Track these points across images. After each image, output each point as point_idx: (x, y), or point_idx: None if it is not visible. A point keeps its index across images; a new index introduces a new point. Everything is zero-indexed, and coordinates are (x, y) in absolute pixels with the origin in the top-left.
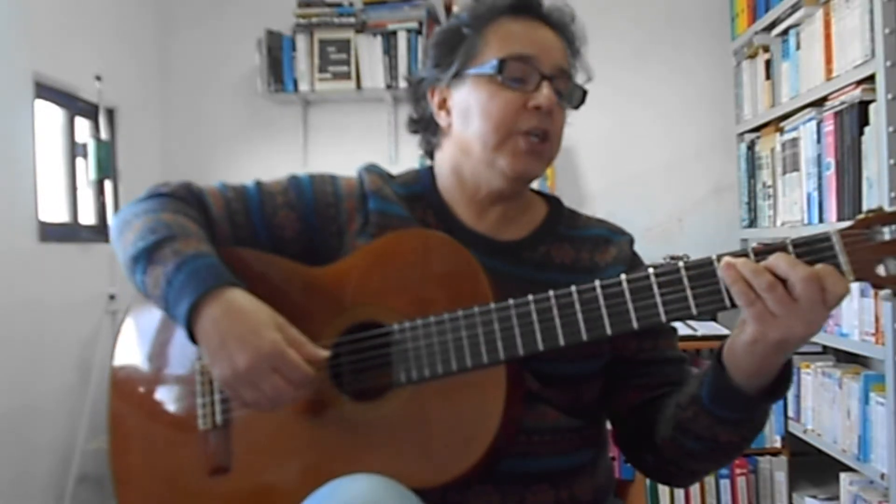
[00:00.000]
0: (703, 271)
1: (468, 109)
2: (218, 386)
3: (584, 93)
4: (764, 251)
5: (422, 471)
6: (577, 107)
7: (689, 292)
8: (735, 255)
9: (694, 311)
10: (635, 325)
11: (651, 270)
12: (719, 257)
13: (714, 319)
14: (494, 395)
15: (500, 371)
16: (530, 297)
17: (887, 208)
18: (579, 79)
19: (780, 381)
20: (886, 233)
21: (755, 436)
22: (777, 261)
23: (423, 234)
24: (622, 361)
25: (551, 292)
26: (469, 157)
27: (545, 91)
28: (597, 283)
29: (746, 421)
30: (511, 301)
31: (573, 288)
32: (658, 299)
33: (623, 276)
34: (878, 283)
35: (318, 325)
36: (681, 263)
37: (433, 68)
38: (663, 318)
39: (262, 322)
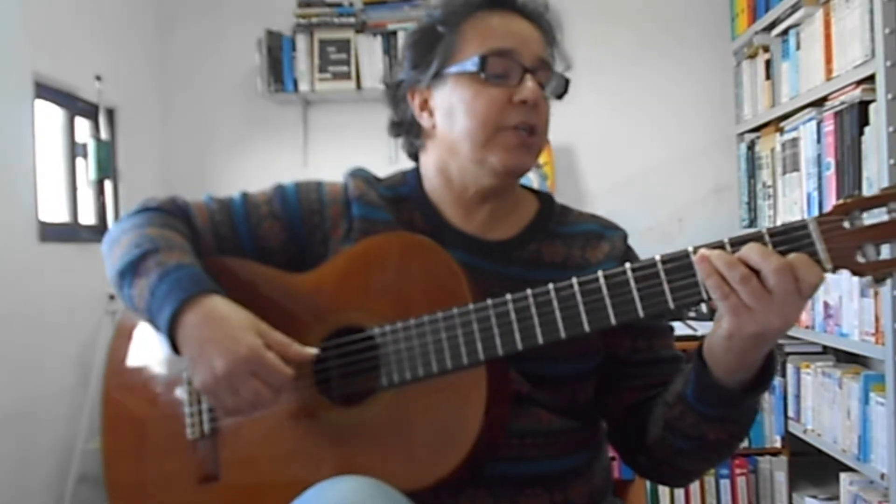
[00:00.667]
0: (679, 264)
1: (452, 109)
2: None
3: (567, 82)
4: (740, 241)
5: (406, 473)
6: (560, 97)
7: (665, 286)
8: (711, 246)
9: (671, 304)
10: (613, 321)
11: (628, 265)
12: (696, 249)
13: (714, 319)
14: (475, 397)
15: (480, 372)
16: (508, 297)
17: (865, 193)
18: (558, 68)
19: (762, 375)
20: (865, 218)
21: (744, 433)
22: (749, 252)
23: (402, 236)
24: (617, 361)
25: (529, 291)
26: (456, 157)
27: (529, 84)
28: (574, 280)
29: (732, 417)
30: (489, 301)
31: (550, 286)
32: (635, 294)
33: (600, 273)
34: (857, 271)
35: (301, 330)
36: (658, 257)
37: (411, 70)
38: (640, 313)
39: (241, 327)
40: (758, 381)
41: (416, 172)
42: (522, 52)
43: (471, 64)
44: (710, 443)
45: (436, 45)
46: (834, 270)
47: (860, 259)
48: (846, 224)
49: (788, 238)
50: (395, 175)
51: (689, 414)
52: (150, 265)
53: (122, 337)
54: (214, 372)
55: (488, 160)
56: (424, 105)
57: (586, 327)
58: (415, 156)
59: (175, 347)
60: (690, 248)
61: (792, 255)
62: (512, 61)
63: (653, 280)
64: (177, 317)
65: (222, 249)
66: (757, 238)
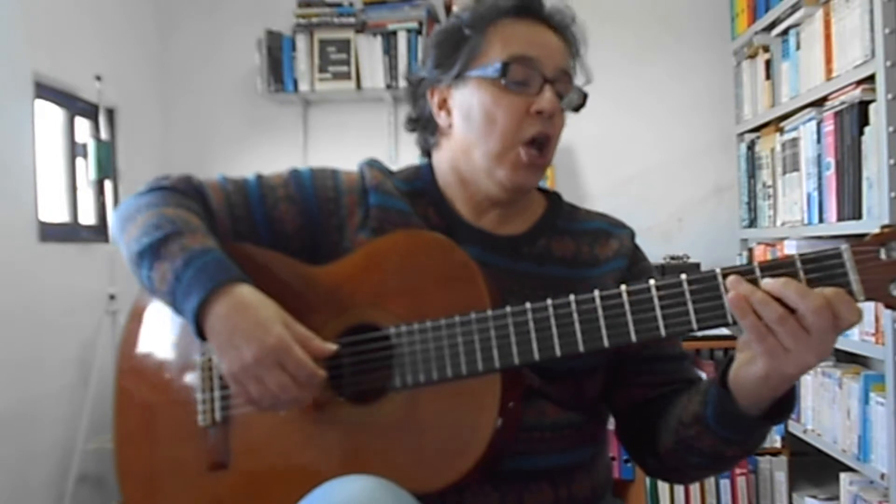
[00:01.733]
0: (706, 286)
1: (470, 112)
2: (218, 382)
3: (585, 96)
4: (772, 266)
5: (415, 476)
6: (577, 110)
7: (690, 306)
8: (741, 271)
9: (695, 325)
10: (633, 338)
11: (652, 282)
12: (725, 273)
13: None
14: (488, 403)
15: (495, 379)
16: (528, 306)
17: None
18: (579, 80)
19: (785, 401)
20: None
21: (759, 446)
22: (786, 290)
23: (419, 235)
24: (624, 358)
25: (549, 301)
26: (468, 160)
27: (548, 95)
28: (596, 293)
29: (751, 439)
30: (508, 309)
31: (572, 297)
32: (658, 312)
33: (623, 288)
34: (890, 304)
35: (317, 325)
36: (683, 276)
37: (434, 69)
38: (663, 332)
39: (269, 317)
40: (779, 407)
41: (430, 167)
42: (544, 62)
43: (492, 69)
44: (726, 458)
45: (460, 46)
46: (866, 301)
47: (894, 292)
48: (882, 255)
49: (821, 266)
50: (409, 168)
51: (707, 435)
52: (174, 249)
53: (136, 321)
54: (243, 360)
55: (496, 173)
56: (443, 104)
57: (606, 343)
58: (428, 152)
59: (201, 334)
60: (718, 270)
61: (829, 292)
62: (533, 70)
63: (678, 299)
64: (205, 305)
65: (238, 231)
66: (789, 265)
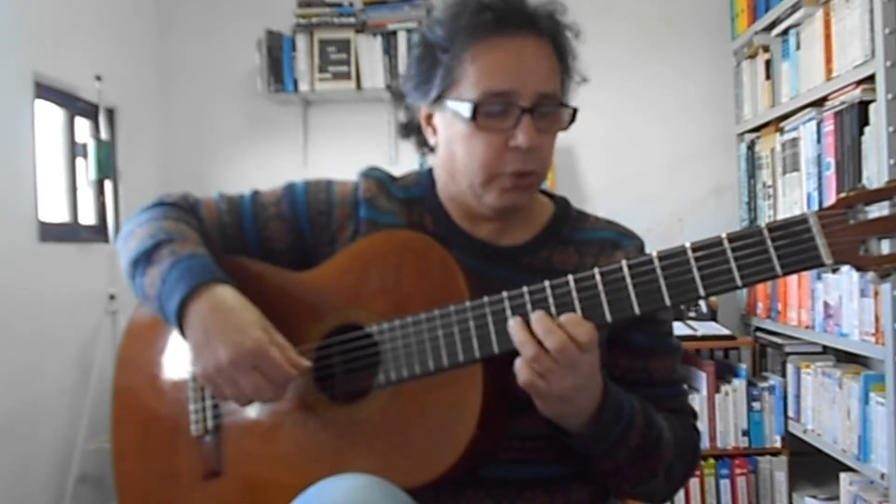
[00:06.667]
0: (675, 261)
1: (450, 141)
2: (210, 391)
3: (574, 112)
4: (739, 237)
5: (403, 471)
6: (566, 128)
7: (662, 282)
8: (707, 244)
9: (668, 301)
10: (608, 318)
11: (624, 262)
12: (694, 248)
13: (714, 319)
14: (471, 395)
15: (477, 371)
16: (504, 294)
17: (869, 186)
18: (576, 80)
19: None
20: (869, 212)
21: (625, 472)
22: (535, 326)
23: (398, 234)
24: (612, 379)
25: (525, 288)
26: (455, 182)
27: (524, 129)
28: (570, 277)
29: (603, 452)
30: (486, 298)
31: (546, 283)
32: (631, 291)
33: (596, 270)
34: (860, 266)
35: (302, 328)
36: (654, 253)
37: (414, 90)
38: (637, 310)
39: (248, 321)
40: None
41: (430, 174)
42: (521, 91)
43: (465, 108)
44: (597, 472)
45: (436, 69)
46: (835, 265)
47: (863, 254)
48: (849, 218)
49: (788, 233)
50: (411, 174)
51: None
52: (164, 254)
53: (132, 335)
54: (218, 361)
55: (484, 197)
56: (429, 120)
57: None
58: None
59: (182, 333)
60: (688, 245)
61: (565, 321)
62: (509, 102)
63: (649, 276)
64: (185, 303)
65: (228, 249)
66: (756, 234)
